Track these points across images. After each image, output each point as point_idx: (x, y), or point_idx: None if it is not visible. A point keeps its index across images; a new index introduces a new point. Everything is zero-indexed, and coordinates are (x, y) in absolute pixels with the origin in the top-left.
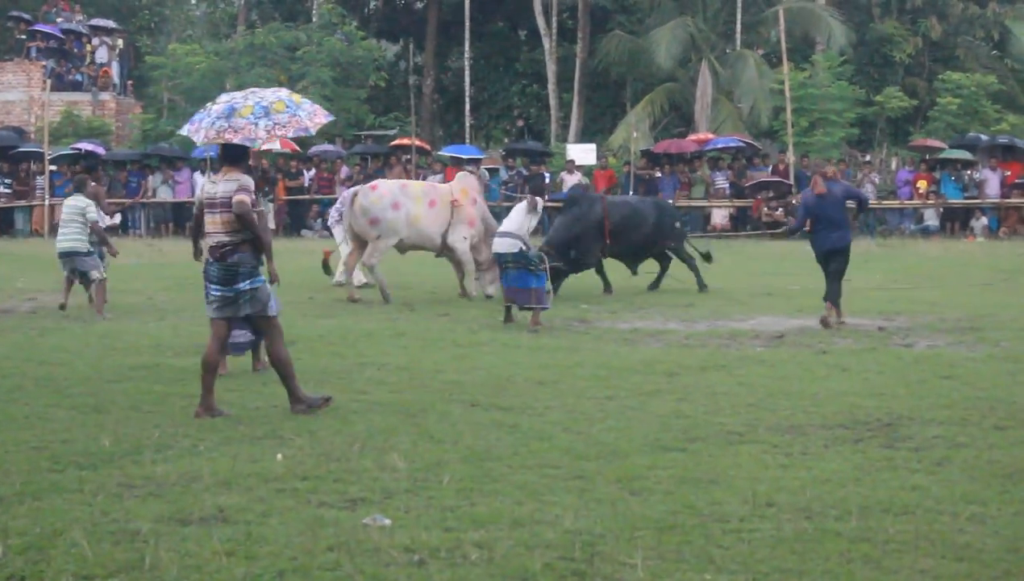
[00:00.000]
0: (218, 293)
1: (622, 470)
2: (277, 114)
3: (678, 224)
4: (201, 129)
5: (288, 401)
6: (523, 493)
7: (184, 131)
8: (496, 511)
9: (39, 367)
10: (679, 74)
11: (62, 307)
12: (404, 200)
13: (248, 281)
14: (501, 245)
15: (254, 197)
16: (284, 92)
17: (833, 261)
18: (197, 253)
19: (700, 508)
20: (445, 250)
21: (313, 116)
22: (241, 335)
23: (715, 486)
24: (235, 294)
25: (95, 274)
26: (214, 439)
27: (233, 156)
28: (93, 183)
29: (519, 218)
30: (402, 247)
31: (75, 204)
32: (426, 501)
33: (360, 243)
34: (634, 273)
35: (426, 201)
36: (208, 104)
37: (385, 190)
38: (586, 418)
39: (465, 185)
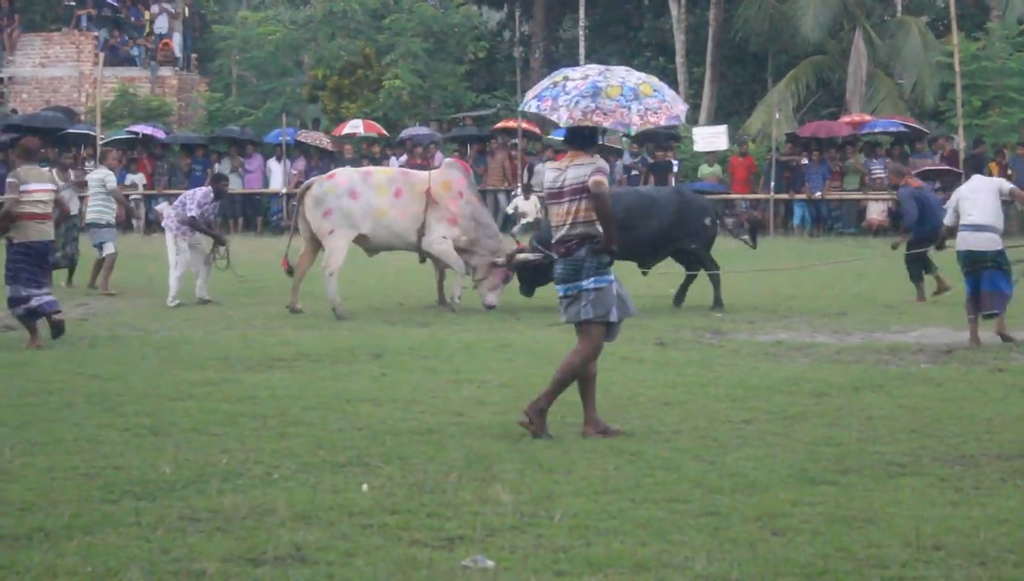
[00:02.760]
0: (562, 292)
1: (762, 506)
2: (647, 98)
3: (708, 221)
4: (560, 107)
5: (533, 410)
6: (647, 532)
7: (531, 107)
8: (615, 552)
9: (90, 382)
10: (829, 46)
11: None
12: (364, 189)
13: (594, 278)
14: (977, 241)
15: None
16: (640, 73)
17: None
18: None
19: (854, 551)
20: (424, 253)
21: (676, 102)
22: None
23: (872, 526)
24: (577, 292)
25: (110, 247)
26: (291, 466)
27: (582, 139)
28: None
29: (993, 203)
30: (369, 247)
31: (96, 176)
32: (534, 540)
33: (313, 245)
34: (644, 273)
35: (391, 190)
36: (555, 79)
37: (343, 178)
38: (720, 445)
39: (449, 178)
